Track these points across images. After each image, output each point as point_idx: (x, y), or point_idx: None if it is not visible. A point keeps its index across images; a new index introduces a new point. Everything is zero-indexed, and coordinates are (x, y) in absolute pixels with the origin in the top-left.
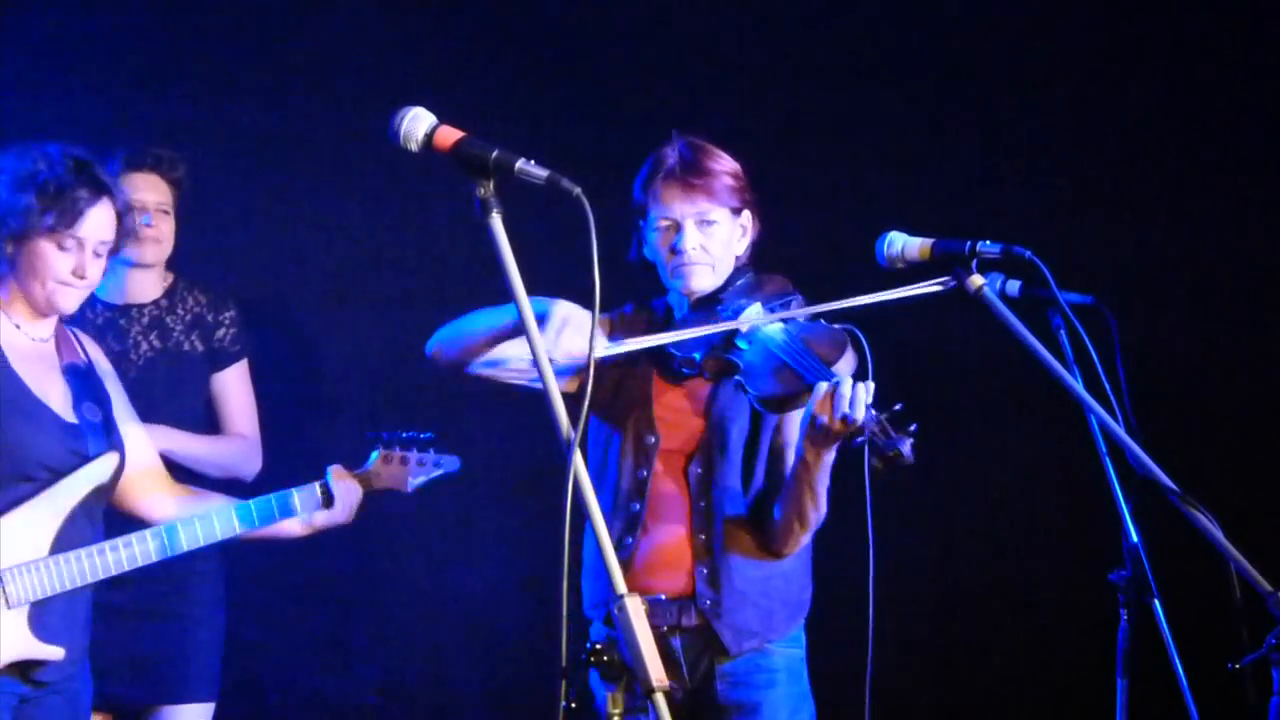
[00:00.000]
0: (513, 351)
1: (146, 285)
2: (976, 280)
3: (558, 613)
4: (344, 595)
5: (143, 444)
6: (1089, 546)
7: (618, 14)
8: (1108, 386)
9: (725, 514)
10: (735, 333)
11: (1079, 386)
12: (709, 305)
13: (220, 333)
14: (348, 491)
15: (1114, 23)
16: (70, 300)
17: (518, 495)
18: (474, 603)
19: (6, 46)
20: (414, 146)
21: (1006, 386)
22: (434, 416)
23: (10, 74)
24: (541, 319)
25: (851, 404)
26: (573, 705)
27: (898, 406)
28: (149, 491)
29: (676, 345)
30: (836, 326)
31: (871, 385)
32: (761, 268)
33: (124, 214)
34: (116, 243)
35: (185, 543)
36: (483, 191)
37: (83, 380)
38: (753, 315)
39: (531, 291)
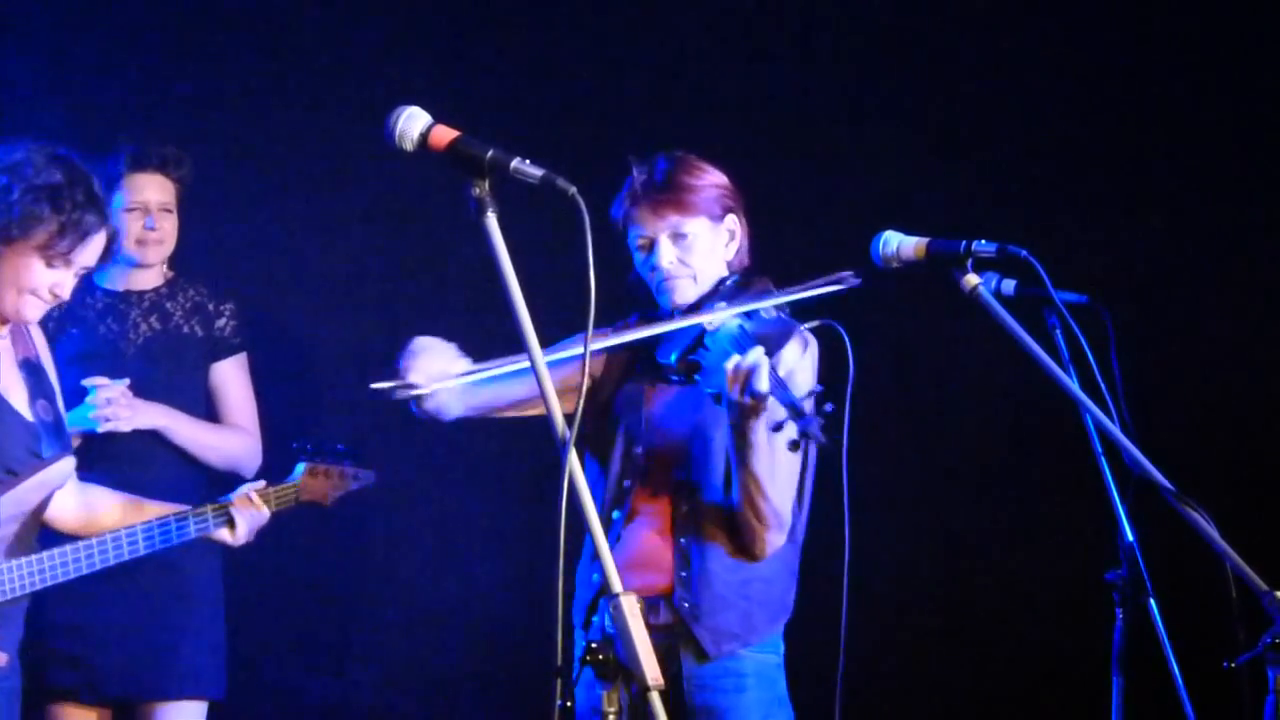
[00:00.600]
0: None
1: (147, 278)
2: (972, 279)
3: (552, 612)
4: (341, 596)
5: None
6: (1084, 545)
7: (615, 14)
8: (1103, 385)
9: (707, 519)
10: (704, 334)
11: (1074, 385)
12: (694, 313)
13: (220, 322)
14: (251, 519)
15: (1113, 21)
16: (36, 312)
17: (515, 496)
18: (471, 603)
19: (7, 46)
20: (409, 146)
21: (1002, 385)
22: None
23: (11, 74)
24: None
25: (751, 376)
26: (569, 705)
27: (817, 388)
28: (69, 495)
29: (660, 352)
30: (810, 324)
31: (767, 360)
32: (758, 269)
33: (113, 239)
34: (104, 259)
35: (127, 552)
36: (478, 191)
37: (35, 376)
38: (716, 314)
39: (526, 290)
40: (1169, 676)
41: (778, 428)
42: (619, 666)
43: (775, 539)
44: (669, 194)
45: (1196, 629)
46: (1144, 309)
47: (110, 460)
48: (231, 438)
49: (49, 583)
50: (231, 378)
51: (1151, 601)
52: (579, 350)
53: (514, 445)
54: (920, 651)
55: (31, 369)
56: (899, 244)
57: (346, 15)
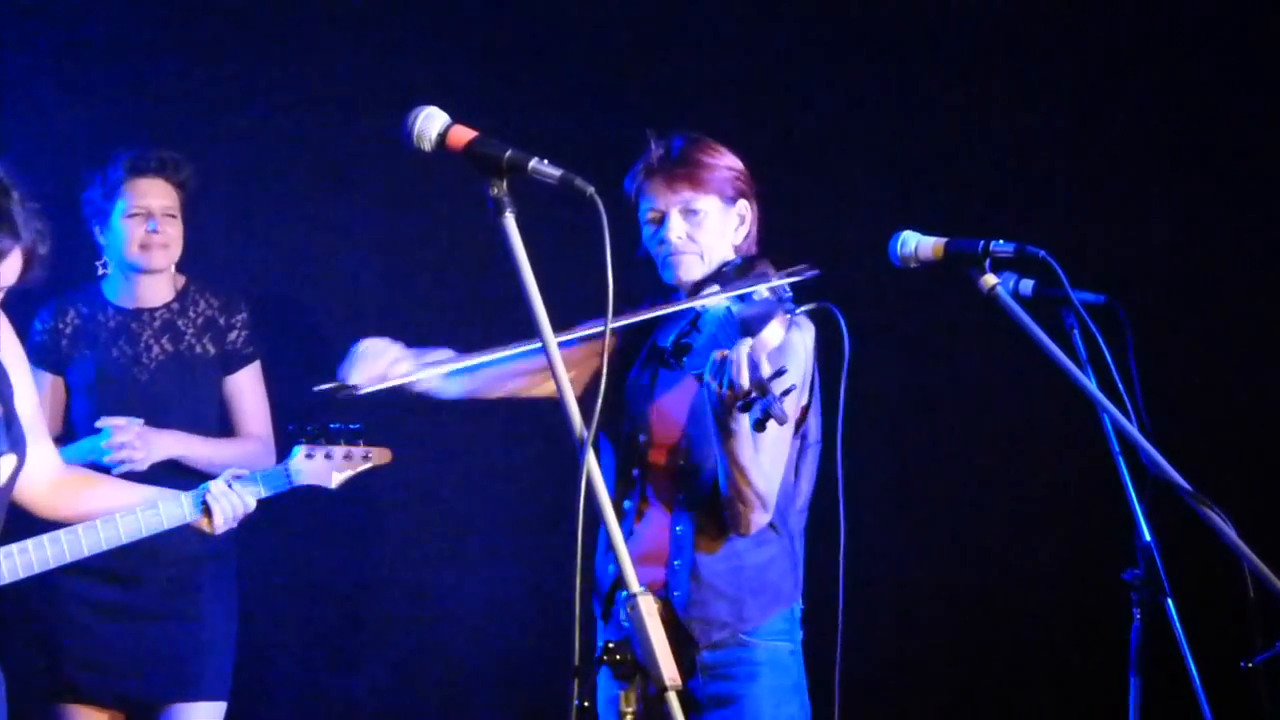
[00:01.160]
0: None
1: (158, 289)
2: (990, 280)
3: (570, 611)
4: (352, 595)
5: (42, 437)
6: (1102, 545)
7: (627, 13)
8: (1121, 386)
9: (700, 506)
10: (698, 318)
11: (1092, 386)
12: (696, 294)
13: (233, 335)
14: (225, 508)
15: (1130, 17)
16: None
17: (526, 494)
18: (486, 601)
19: (9, 48)
20: (427, 146)
21: (1020, 386)
22: (443, 417)
23: (14, 76)
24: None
25: (731, 368)
26: (585, 704)
27: (781, 369)
28: (39, 484)
29: (660, 336)
30: (806, 307)
31: (748, 345)
32: (768, 253)
33: (34, 253)
34: (25, 276)
35: (86, 547)
36: (496, 191)
37: None
38: (709, 298)
39: (544, 291)
40: (1186, 677)
41: (744, 408)
42: (636, 666)
43: (760, 518)
44: (684, 168)
45: (1214, 629)
46: (1162, 309)
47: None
48: (244, 449)
49: (20, 574)
50: (245, 387)
51: (1169, 602)
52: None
53: (529, 442)
54: (936, 651)
55: None
56: (917, 244)
57: (361, 17)
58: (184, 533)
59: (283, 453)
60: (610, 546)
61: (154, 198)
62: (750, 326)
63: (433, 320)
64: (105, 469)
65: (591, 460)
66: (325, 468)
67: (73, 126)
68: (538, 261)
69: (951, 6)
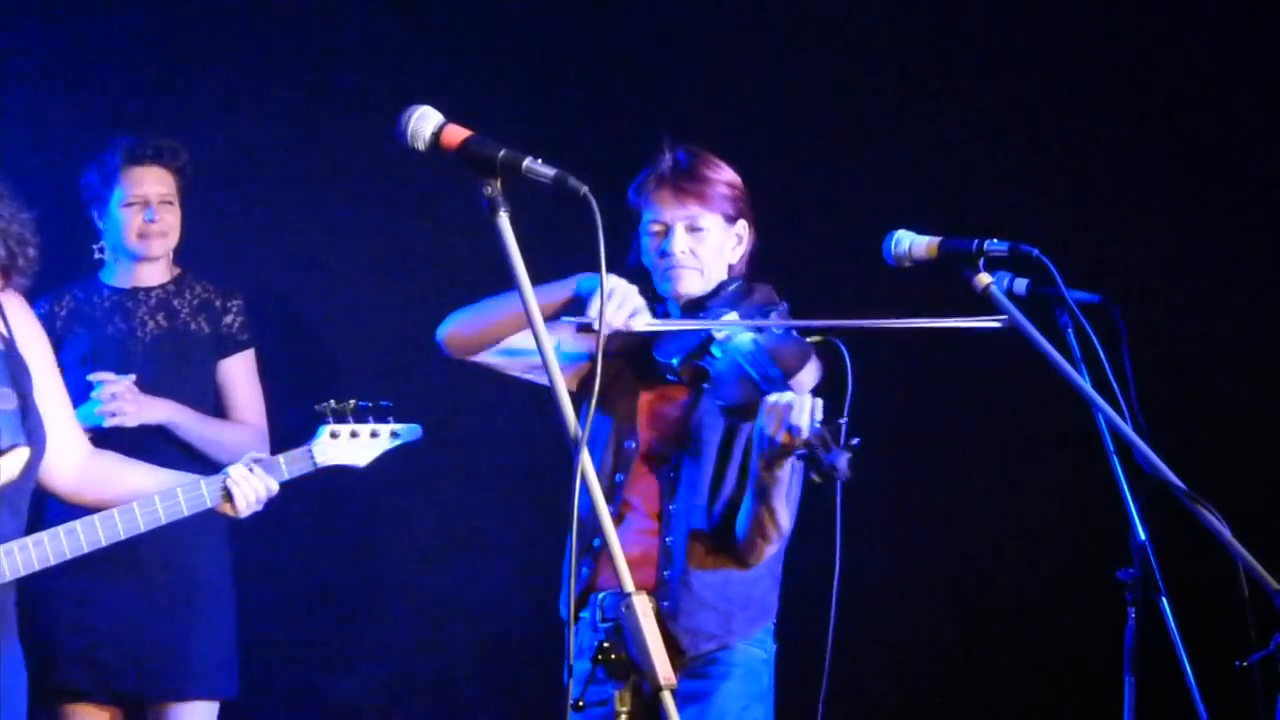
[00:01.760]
0: (528, 343)
1: (155, 272)
2: (984, 279)
3: (564, 611)
4: (349, 594)
5: (66, 420)
6: (1096, 544)
7: (622, 15)
8: (1115, 384)
9: (691, 519)
10: (711, 340)
11: (1087, 384)
12: (694, 311)
13: (228, 319)
14: (252, 490)
15: (1124, 18)
16: None
17: (521, 493)
18: (482, 601)
19: (7, 46)
20: (421, 145)
21: (1014, 385)
22: (438, 412)
23: (12, 73)
24: (590, 293)
25: (794, 417)
26: (580, 704)
27: (842, 420)
28: (77, 474)
29: (659, 350)
30: (812, 338)
31: (819, 401)
32: (761, 274)
33: (9, 264)
34: (5, 282)
35: (104, 538)
36: (490, 190)
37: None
38: (726, 323)
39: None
40: (1181, 675)
41: (802, 457)
42: (631, 665)
43: (773, 549)
44: (693, 184)
45: (1208, 628)
46: (1156, 308)
47: None
48: (237, 433)
49: (20, 573)
50: (239, 374)
51: (1164, 600)
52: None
53: (522, 443)
54: (931, 650)
55: None
56: (911, 243)
57: (357, 11)
58: (181, 530)
59: (283, 443)
60: (584, 550)
61: (151, 185)
62: (786, 364)
63: (430, 319)
64: (96, 430)
65: (586, 461)
66: (353, 446)
67: (71, 124)
68: (532, 260)
69: (947, 8)
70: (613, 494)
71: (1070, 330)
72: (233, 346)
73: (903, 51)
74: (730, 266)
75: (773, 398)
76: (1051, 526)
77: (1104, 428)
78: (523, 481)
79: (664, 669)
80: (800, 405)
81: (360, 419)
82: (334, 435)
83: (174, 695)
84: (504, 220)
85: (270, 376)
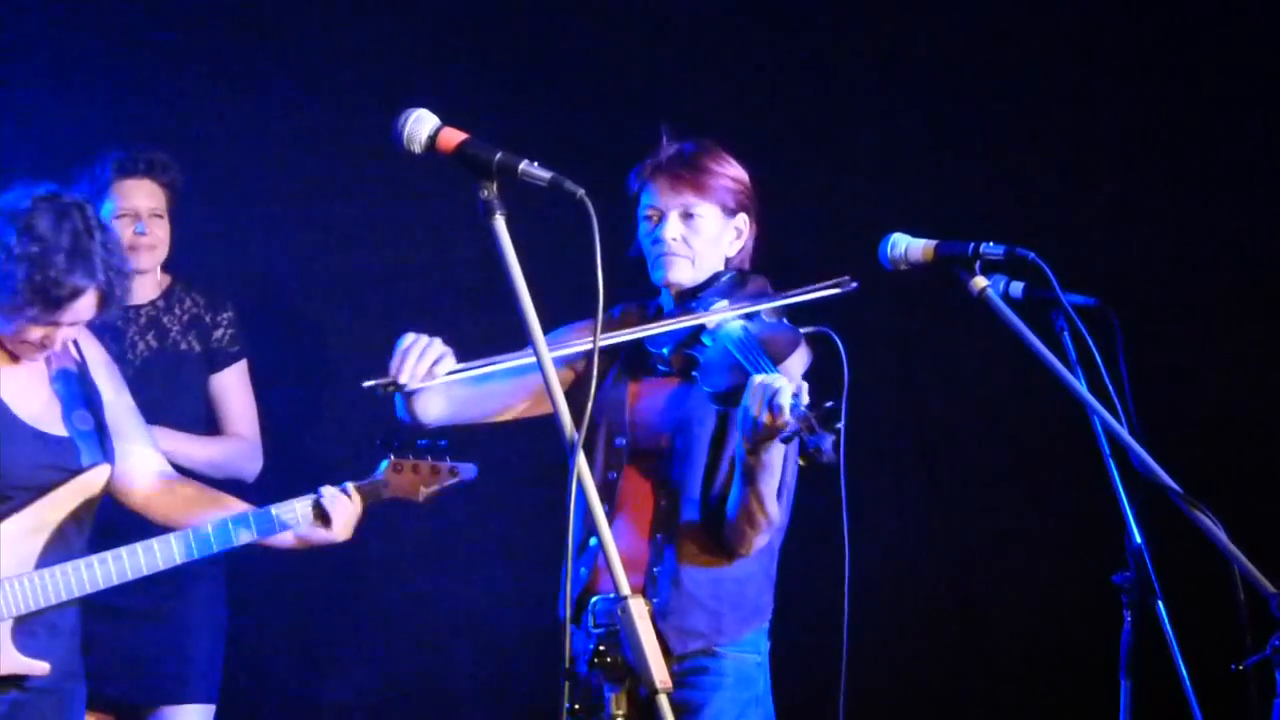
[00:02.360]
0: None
1: (144, 287)
2: (980, 282)
3: (560, 613)
4: (343, 597)
5: (141, 439)
6: (1092, 548)
7: (619, 14)
8: (1111, 388)
9: (683, 515)
10: (702, 330)
11: (1082, 388)
12: (687, 302)
13: (218, 333)
14: (344, 511)
15: (1119, 22)
16: (32, 353)
17: (517, 496)
18: (473, 604)
19: (4, 46)
20: (417, 148)
21: (1010, 388)
22: None
23: (8, 75)
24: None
25: (777, 398)
26: (576, 707)
27: (829, 404)
28: (150, 489)
29: (652, 341)
30: (805, 329)
31: (805, 384)
32: (758, 270)
33: (109, 293)
34: (100, 313)
35: (178, 555)
36: (486, 193)
37: (74, 387)
38: (719, 311)
39: (535, 292)
40: (1177, 679)
41: (786, 439)
42: (627, 668)
43: (763, 540)
44: (689, 172)
45: (1204, 631)
46: (1152, 311)
47: None
48: (227, 448)
49: (91, 588)
50: (231, 386)
51: (1159, 604)
52: (574, 349)
53: (516, 445)
54: (927, 654)
55: (70, 379)
56: (907, 246)
57: (347, 15)
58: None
59: (278, 451)
60: (581, 552)
61: (141, 199)
62: (775, 349)
63: (428, 321)
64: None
65: (582, 462)
66: (413, 481)
67: (67, 125)
68: (528, 263)
69: (945, 9)
70: (607, 493)
71: (1066, 333)
72: (224, 360)
73: (900, 53)
74: (728, 260)
75: (759, 378)
76: (1047, 530)
77: (1100, 431)
78: (518, 483)
79: (660, 672)
80: (785, 387)
81: (420, 455)
82: (397, 470)
83: (167, 699)
84: (500, 223)
85: (263, 383)
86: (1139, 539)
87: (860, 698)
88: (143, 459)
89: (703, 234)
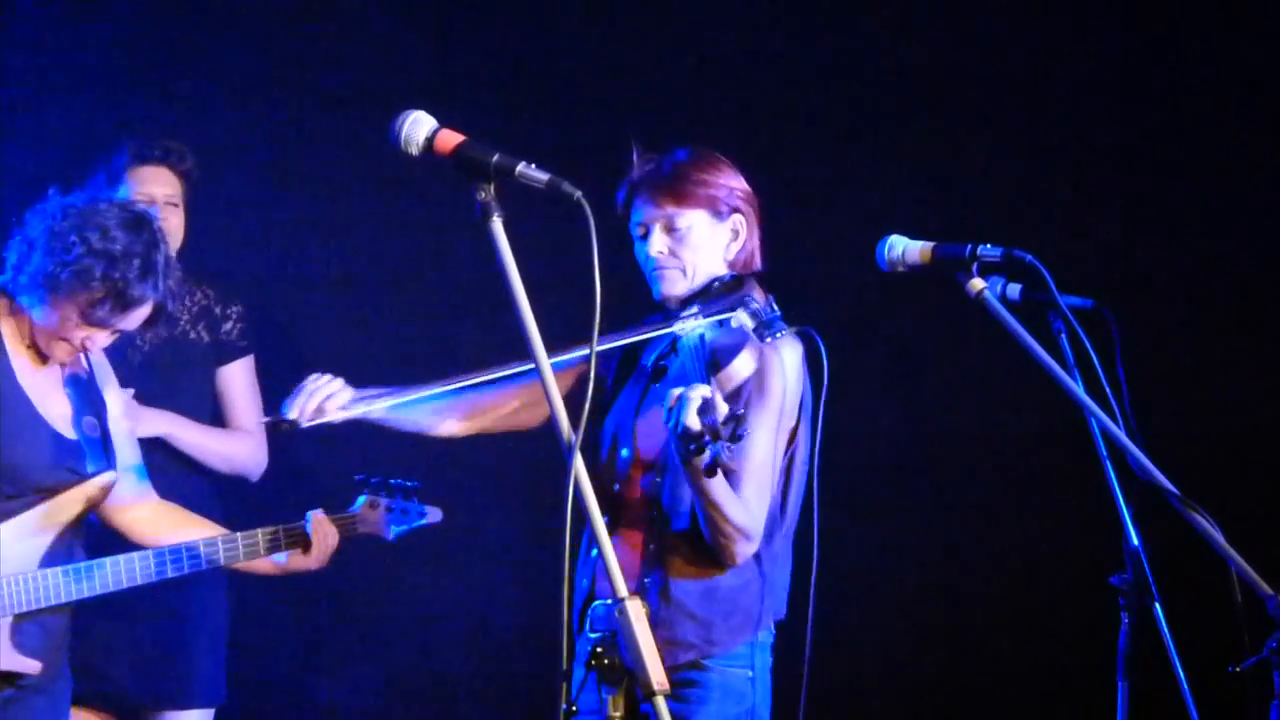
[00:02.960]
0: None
1: None
2: (977, 284)
3: (558, 616)
4: (343, 597)
5: (134, 460)
6: (1090, 549)
7: (617, 18)
8: (1108, 390)
9: (673, 525)
10: (677, 339)
11: (1080, 390)
12: (677, 311)
13: (227, 326)
14: (325, 537)
15: (1116, 24)
16: (64, 355)
17: (518, 500)
18: (474, 607)
19: (8, 46)
20: (415, 150)
21: (1007, 390)
22: None
23: (13, 73)
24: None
25: (682, 409)
26: (574, 708)
27: (737, 410)
28: (132, 505)
29: (645, 354)
30: (794, 329)
31: (711, 391)
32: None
33: (162, 309)
34: (149, 326)
35: (170, 570)
36: (484, 195)
37: (84, 392)
38: (686, 320)
39: (532, 294)
40: (1174, 680)
41: (696, 451)
42: (624, 670)
43: (745, 549)
44: (666, 184)
45: (1201, 633)
46: (1149, 313)
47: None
48: (235, 442)
49: (87, 594)
50: (237, 381)
51: (1156, 605)
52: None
53: (516, 449)
54: (924, 656)
55: (80, 385)
56: (904, 248)
57: (347, 17)
58: None
59: (281, 450)
60: (584, 561)
61: (157, 185)
62: (719, 357)
63: (427, 324)
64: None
65: (580, 465)
66: (384, 519)
67: (68, 126)
68: (526, 265)
69: (944, 11)
70: (612, 504)
71: (1064, 335)
72: (231, 353)
73: (897, 54)
74: (729, 263)
75: (675, 391)
76: (1045, 532)
77: (1097, 433)
78: (517, 486)
79: (657, 674)
80: (692, 398)
81: (392, 494)
82: (372, 506)
83: (170, 703)
84: (498, 225)
85: (269, 381)
86: (1136, 541)
87: (859, 699)
88: (132, 480)
89: (690, 242)
